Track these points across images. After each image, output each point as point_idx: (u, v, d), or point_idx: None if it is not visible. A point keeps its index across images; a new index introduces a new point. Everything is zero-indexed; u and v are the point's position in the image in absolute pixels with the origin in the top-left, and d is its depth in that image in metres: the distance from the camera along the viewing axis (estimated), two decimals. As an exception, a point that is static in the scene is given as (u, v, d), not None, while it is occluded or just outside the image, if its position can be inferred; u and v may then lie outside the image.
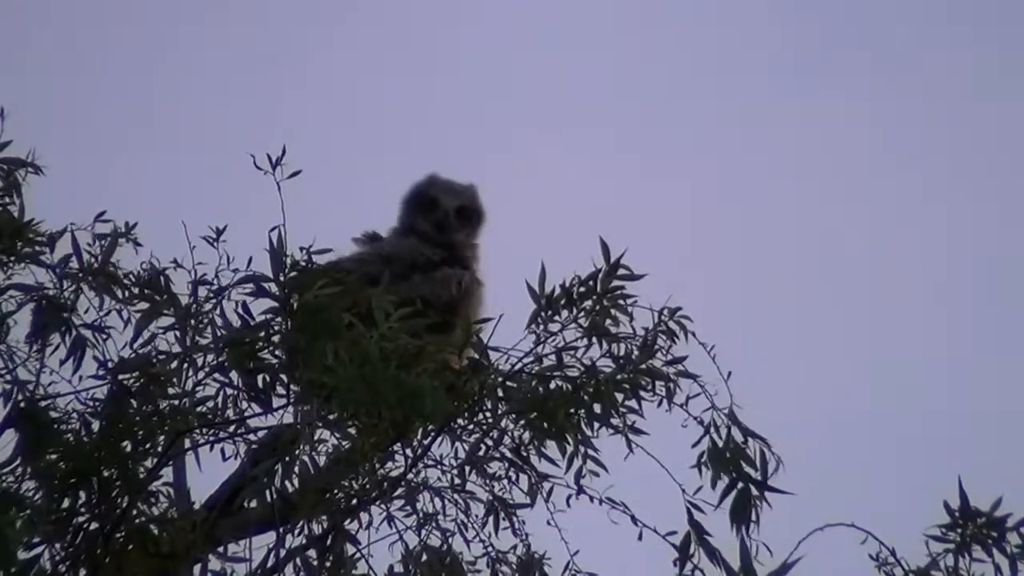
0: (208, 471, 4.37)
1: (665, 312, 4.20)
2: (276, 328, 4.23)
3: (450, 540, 4.40)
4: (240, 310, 4.28)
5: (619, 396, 4.19)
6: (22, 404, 4.34)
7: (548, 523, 4.37)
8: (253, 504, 4.28)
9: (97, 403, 4.37)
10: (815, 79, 10.25)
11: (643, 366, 4.18)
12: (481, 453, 4.33)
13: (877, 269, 9.69)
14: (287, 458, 4.12)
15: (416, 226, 5.06)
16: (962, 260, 9.74)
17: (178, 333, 4.33)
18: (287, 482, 4.14)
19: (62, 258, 4.41)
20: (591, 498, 4.33)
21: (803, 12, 10.38)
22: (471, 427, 4.29)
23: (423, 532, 4.39)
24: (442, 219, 5.06)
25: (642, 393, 4.19)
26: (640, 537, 4.24)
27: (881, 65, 10.29)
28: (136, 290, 4.41)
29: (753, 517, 4.06)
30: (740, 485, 4.08)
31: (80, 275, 4.39)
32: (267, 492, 4.11)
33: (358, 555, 4.26)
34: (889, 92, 10.27)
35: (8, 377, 4.40)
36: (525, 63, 10.47)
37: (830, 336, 9.19)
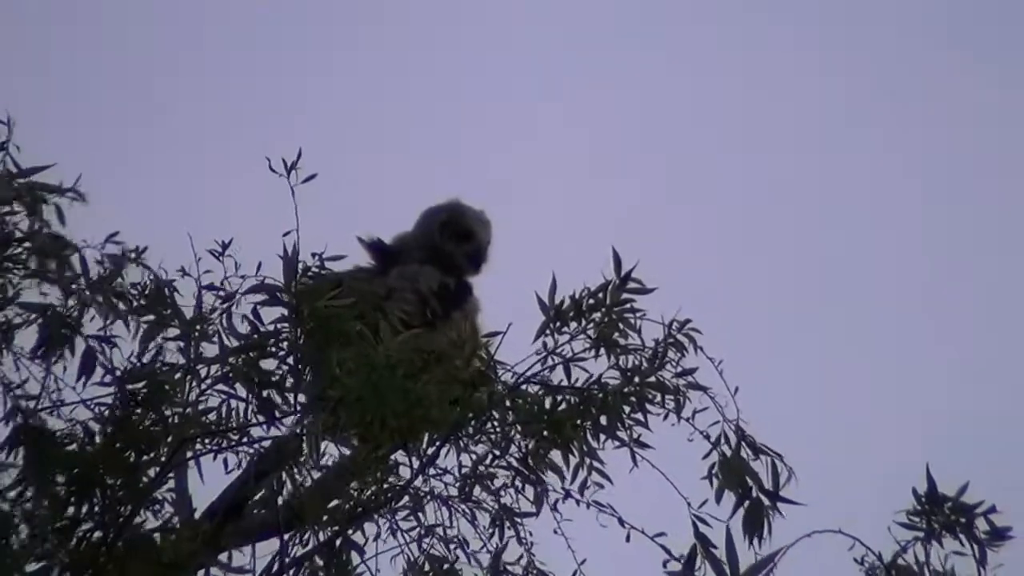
0: (211, 481, 4.38)
1: (674, 325, 4.23)
2: (285, 336, 4.24)
3: (455, 551, 4.42)
4: (251, 315, 4.30)
5: (626, 409, 4.21)
6: (27, 420, 4.35)
7: (555, 532, 4.39)
8: (258, 511, 4.31)
9: (103, 409, 4.38)
10: (814, 93, 10.28)
11: (651, 379, 4.20)
12: (488, 462, 4.34)
13: (883, 279, 9.72)
14: (293, 467, 4.15)
15: (444, 251, 5.05)
16: (963, 264, 9.76)
17: (182, 344, 4.34)
18: (292, 489, 4.17)
19: (69, 276, 4.40)
20: (577, 502, 4.35)
21: (802, 12, 10.40)
22: (478, 437, 4.30)
23: (424, 543, 4.41)
24: (475, 253, 5.07)
25: (648, 406, 4.21)
26: (628, 539, 4.26)
27: (885, 68, 10.30)
28: (142, 302, 4.42)
29: (766, 528, 4.08)
30: (754, 495, 4.10)
31: (86, 293, 4.38)
32: (273, 500, 4.14)
33: (362, 566, 4.29)
34: (890, 94, 10.29)
35: (15, 392, 4.42)
36: (528, 65, 10.48)
37: (833, 345, 9.21)
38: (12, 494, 4.24)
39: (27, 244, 4.39)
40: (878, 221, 10.13)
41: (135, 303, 4.43)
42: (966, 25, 10.20)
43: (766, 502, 4.10)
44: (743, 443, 4.15)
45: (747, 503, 4.10)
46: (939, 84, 10.17)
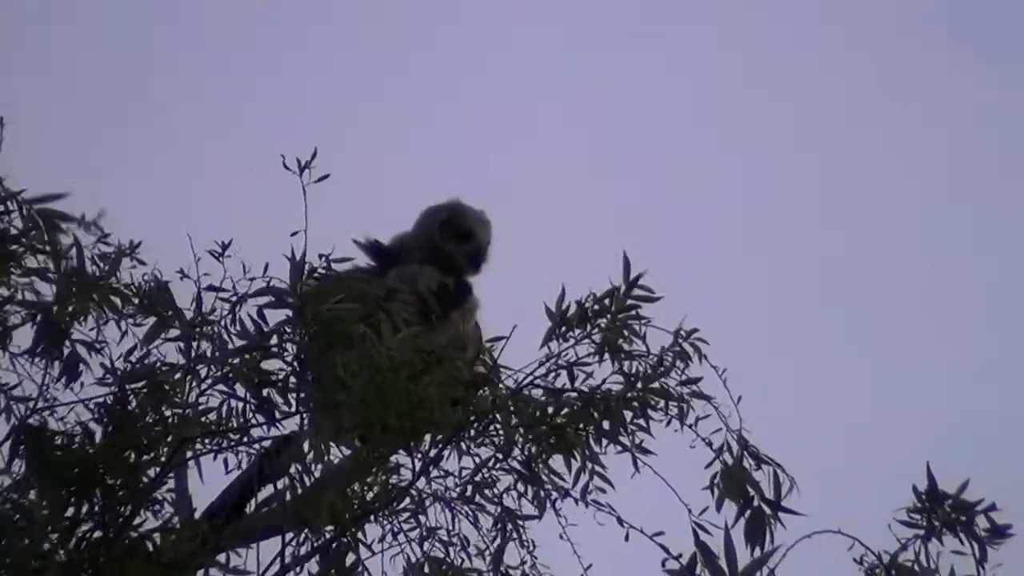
0: (211, 481, 4.38)
1: (681, 333, 4.23)
2: (288, 337, 4.24)
3: (456, 553, 4.42)
4: (256, 316, 4.30)
5: (628, 415, 4.21)
6: (25, 420, 4.35)
7: (560, 537, 4.38)
8: (260, 511, 4.32)
9: (103, 408, 4.37)
10: (814, 93, 10.27)
11: (654, 385, 4.20)
12: (491, 464, 4.34)
13: (883, 279, 9.72)
14: (295, 467, 4.17)
15: (444, 250, 5.06)
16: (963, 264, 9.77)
17: (183, 345, 4.33)
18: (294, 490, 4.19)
19: (65, 273, 4.39)
20: (576, 500, 4.34)
21: (802, 12, 10.39)
22: (480, 439, 4.30)
23: (426, 545, 4.41)
24: (475, 252, 5.08)
25: (651, 412, 4.22)
26: (627, 538, 4.26)
27: (885, 68, 10.30)
28: (138, 301, 4.42)
29: (767, 537, 4.08)
30: (755, 504, 4.10)
31: (79, 292, 4.38)
32: (276, 501, 4.16)
33: (362, 568, 4.29)
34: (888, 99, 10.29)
35: (10, 393, 4.42)
36: (528, 65, 10.48)
37: (833, 345, 9.21)
38: (12, 495, 4.24)
39: (23, 240, 4.39)
40: (878, 221, 10.14)
41: (131, 301, 4.43)
42: (966, 25, 10.21)
43: (768, 511, 4.10)
44: (746, 453, 4.16)
45: (749, 512, 4.10)
46: (939, 84, 10.17)
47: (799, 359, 8.85)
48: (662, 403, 4.22)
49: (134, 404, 4.32)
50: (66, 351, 4.41)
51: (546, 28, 10.46)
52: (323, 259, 4.26)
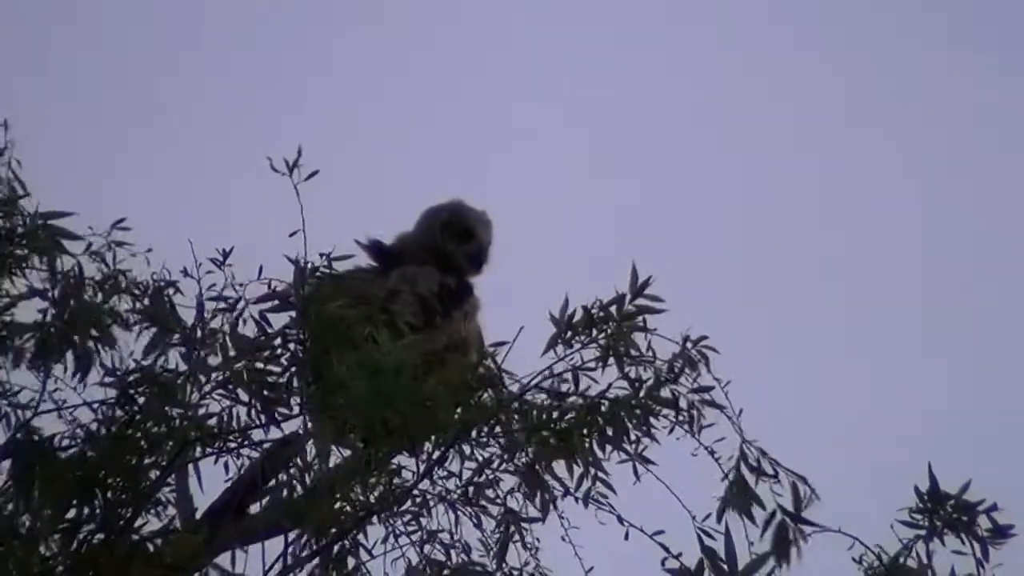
0: (210, 486, 4.38)
1: (689, 341, 4.23)
2: (291, 338, 4.25)
3: (457, 555, 4.42)
4: (257, 317, 4.30)
5: (631, 422, 4.20)
6: (21, 430, 4.36)
7: (562, 539, 4.37)
8: (261, 511, 4.33)
9: (105, 408, 4.37)
10: (814, 93, 10.28)
11: (659, 392, 4.19)
12: (495, 466, 4.34)
13: (883, 279, 9.73)
14: (297, 468, 4.17)
15: (445, 251, 5.06)
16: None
17: (184, 351, 4.33)
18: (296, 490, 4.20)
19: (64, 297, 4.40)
20: (576, 499, 4.32)
21: (802, 12, 10.41)
22: (484, 440, 4.30)
23: (426, 547, 4.41)
24: (476, 253, 5.08)
25: (655, 420, 4.21)
26: (627, 536, 4.25)
27: (885, 68, 10.31)
28: (142, 301, 4.43)
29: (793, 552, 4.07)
30: (778, 517, 4.09)
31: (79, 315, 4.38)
32: (277, 501, 4.16)
33: (364, 570, 4.30)
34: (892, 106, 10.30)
35: (9, 400, 4.43)
36: (528, 65, 10.49)
37: (833, 345, 9.22)
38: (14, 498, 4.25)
39: (23, 241, 4.40)
40: (878, 221, 10.15)
41: (134, 305, 4.45)
42: (966, 25, 10.22)
43: (790, 524, 4.07)
44: (757, 463, 4.15)
45: (774, 526, 4.08)
46: (939, 84, 10.18)
47: (799, 359, 8.86)
48: (668, 411, 4.21)
49: (137, 405, 4.33)
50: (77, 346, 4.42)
51: (546, 28, 10.47)
52: (323, 258, 4.27)
